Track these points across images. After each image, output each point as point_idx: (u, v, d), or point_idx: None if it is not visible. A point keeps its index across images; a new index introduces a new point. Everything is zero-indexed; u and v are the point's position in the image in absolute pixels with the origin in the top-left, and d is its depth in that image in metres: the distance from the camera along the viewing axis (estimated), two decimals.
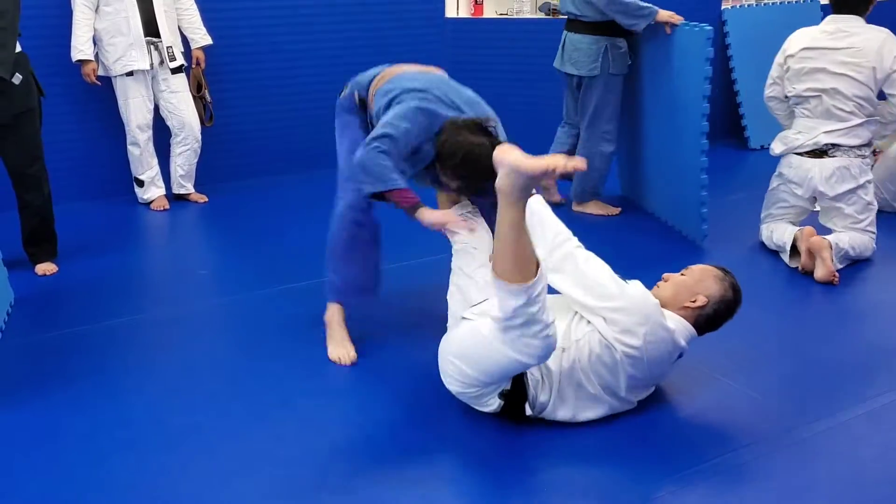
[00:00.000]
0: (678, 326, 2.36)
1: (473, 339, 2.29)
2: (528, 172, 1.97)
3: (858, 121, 3.58)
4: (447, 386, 2.46)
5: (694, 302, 2.39)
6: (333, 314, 2.92)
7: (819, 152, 3.63)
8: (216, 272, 3.78)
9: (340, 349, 2.85)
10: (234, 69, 4.96)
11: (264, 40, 5.03)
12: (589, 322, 2.34)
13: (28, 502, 2.12)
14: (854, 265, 3.65)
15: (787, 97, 3.79)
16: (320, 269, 3.45)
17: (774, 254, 3.78)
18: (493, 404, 2.37)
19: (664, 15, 3.92)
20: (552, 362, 2.30)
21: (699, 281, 2.42)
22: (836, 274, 3.47)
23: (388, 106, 2.65)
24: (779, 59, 3.81)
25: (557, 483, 2.20)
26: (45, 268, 3.65)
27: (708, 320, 2.43)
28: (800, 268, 3.59)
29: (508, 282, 2.04)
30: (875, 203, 3.71)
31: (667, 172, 4.15)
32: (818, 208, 3.78)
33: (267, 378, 2.75)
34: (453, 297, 2.66)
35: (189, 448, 2.36)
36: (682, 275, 2.48)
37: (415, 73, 2.78)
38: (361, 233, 2.83)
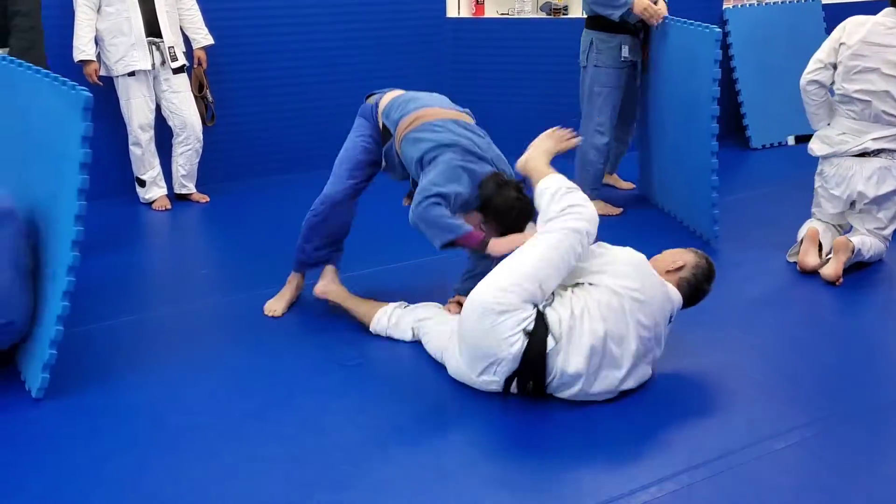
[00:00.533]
0: (666, 284, 2.62)
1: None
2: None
3: None
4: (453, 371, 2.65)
5: (674, 264, 2.67)
6: (293, 278, 3.29)
7: (863, 154, 3.56)
8: (218, 272, 3.79)
9: (274, 303, 3.24)
10: (235, 69, 4.96)
11: (266, 40, 5.03)
12: (591, 284, 2.55)
13: (31, 501, 2.13)
14: (867, 267, 3.63)
15: (831, 87, 3.65)
16: (316, 270, 3.48)
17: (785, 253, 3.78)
18: (497, 378, 2.53)
19: (640, 6, 3.92)
20: (562, 307, 2.49)
21: (676, 252, 2.76)
22: (841, 278, 3.46)
23: (423, 161, 2.81)
24: (832, 42, 3.61)
25: (566, 479, 2.20)
26: None
27: (689, 287, 2.67)
28: (797, 265, 3.61)
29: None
30: None
31: (679, 172, 4.15)
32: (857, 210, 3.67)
33: (269, 376, 2.76)
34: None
35: (189, 447, 2.37)
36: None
37: (444, 122, 2.87)
38: (336, 214, 3.14)
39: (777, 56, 5.63)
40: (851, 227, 3.71)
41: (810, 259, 3.54)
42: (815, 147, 3.74)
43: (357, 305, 3.10)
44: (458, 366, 2.62)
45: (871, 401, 2.58)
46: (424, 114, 2.89)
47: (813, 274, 3.53)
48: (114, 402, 2.60)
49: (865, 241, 3.57)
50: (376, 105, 3.08)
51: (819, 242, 3.60)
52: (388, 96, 3.06)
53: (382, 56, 5.35)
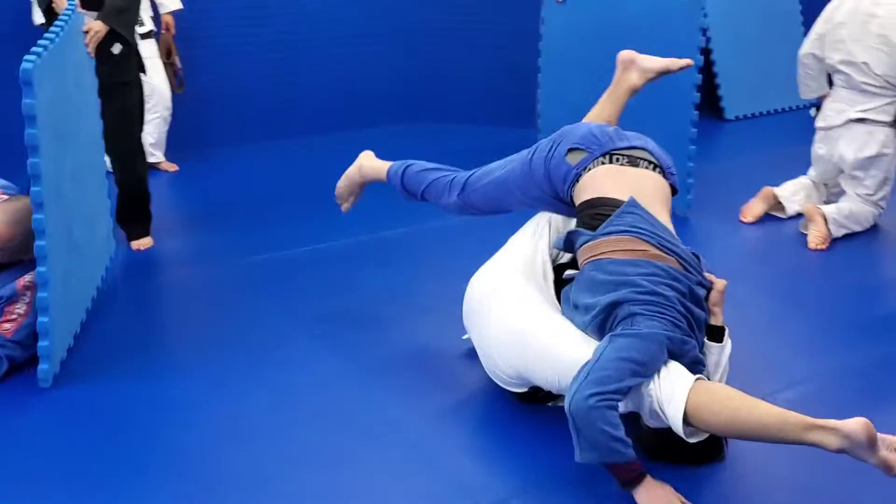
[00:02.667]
0: None
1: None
2: None
3: (888, 100, 3.58)
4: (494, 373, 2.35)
5: None
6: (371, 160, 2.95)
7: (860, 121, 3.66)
8: (186, 242, 3.73)
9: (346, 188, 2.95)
10: (204, 34, 4.86)
11: (235, 4, 4.93)
12: None
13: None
14: (848, 238, 3.67)
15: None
16: (292, 240, 3.45)
17: (757, 225, 3.81)
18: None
19: None
20: None
21: None
22: (827, 242, 3.54)
23: (614, 314, 2.03)
24: (825, 14, 3.71)
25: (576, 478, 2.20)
26: (140, 243, 3.57)
27: None
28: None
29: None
30: (892, 178, 3.71)
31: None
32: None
33: (232, 346, 2.73)
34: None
35: (156, 420, 2.35)
36: None
37: (663, 271, 2.08)
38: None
39: (752, 27, 5.63)
40: (843, 190, 3.80)
41: (752, 208, 3.83)
42: (817, 120, 3.85)
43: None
44: (499, 366, 2.28)
45: (845, 364, 2.62)
46: (636, 246, 2.12)
47: (753, 224, 3.77)
48: (90, 389, 2.54)
49: (843, 208, 3.64)
50: (575, 179, 2.32)
51: (776, 200, 3.82)
52: (601, 179, 2.28)
53: (354, 20, 5.29)
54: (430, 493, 2.05)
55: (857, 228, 3.69)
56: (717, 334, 2.15)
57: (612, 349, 1.94)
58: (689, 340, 2.02)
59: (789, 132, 5.60)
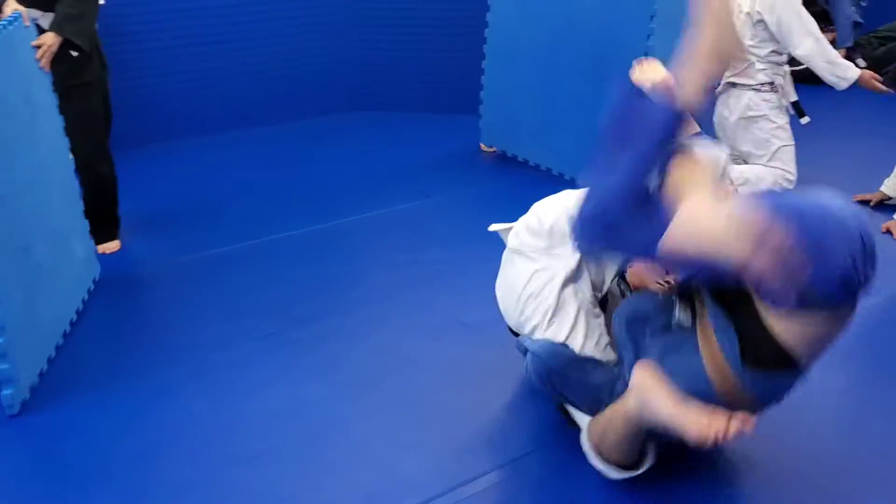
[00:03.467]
0: None
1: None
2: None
3: (746, 63, 3.89)
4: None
5: None
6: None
7: (731, 85, 4.01)
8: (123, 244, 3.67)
9: None
10: (134, 29, 4.75)
11: None
12: None
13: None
14: None
15: None
16: (235, 236, 3.43)
17: None
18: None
19: None
20: None
21: None
22: None
23: None
24: None
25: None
26: (106, 247, 3.50)
27: None
28: None
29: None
30: (778, 142, 3.94)
31: (584, 129, 4.11)
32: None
33: (176, 351, 2.74)
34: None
35: (96, 428, 2.36)
36: None
37: None
38: None
39: (682, 9, 5.76)
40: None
41: None
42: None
43: None
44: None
45: None
46: None
47: None
48: (59, 415, 2.47)
49: (745, 171, 3.94)
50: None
51: None
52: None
53: (286, 11, 5.23)
54: (375, 490, 2.10)
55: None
56: None
57: None
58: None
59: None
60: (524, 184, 4.25)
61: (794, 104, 4.10)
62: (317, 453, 2.24)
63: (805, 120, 4.13)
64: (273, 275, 3.29)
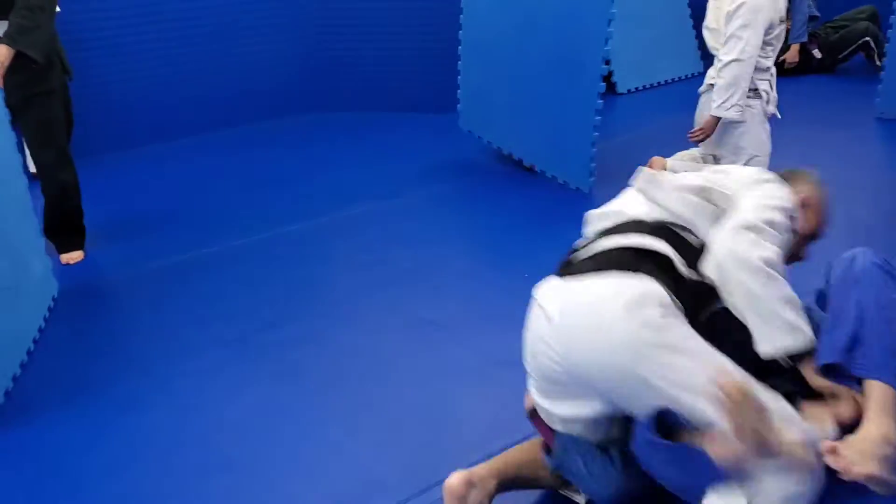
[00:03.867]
0: None
1: None
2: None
3: (725, 61, 3.72)
4: None
5: None
6: None
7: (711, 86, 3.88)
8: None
9: None
10: (96, 35, 4.70)
11: (126, 2, 4.78)
12: None
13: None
14: None
15: None
16: (195, 241, 3.39)
17: None
18: None
19: None
20: None
21: None
22: None
23: None
24: None
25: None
26: (69, 256, 3.45)
27: None
28: None
29: None
30: (752, 151, 3.78)
31: (549, 119, 4.13)
32: None
33: (141, 361, 2.71)
34: None
35: (60, 443, 2.34)
36: None
37: None
38: None
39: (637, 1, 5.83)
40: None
41: None
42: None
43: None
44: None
45: None
46: None
47: None
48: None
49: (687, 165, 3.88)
50: None
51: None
52: None
53: (248, 13, 5.21)
54: (348, 493, 2.09)
55: None
56: None
57: None
58: None
59: (681, 102, 5.87)
60: (494, 182, 4.27)
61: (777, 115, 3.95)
62: (289, 458, 2.23)
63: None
64: (240, 280, 3.28)
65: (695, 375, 1.59)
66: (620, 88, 5.92)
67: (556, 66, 4.05)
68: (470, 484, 1.83)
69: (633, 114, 5.53)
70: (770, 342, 1.69)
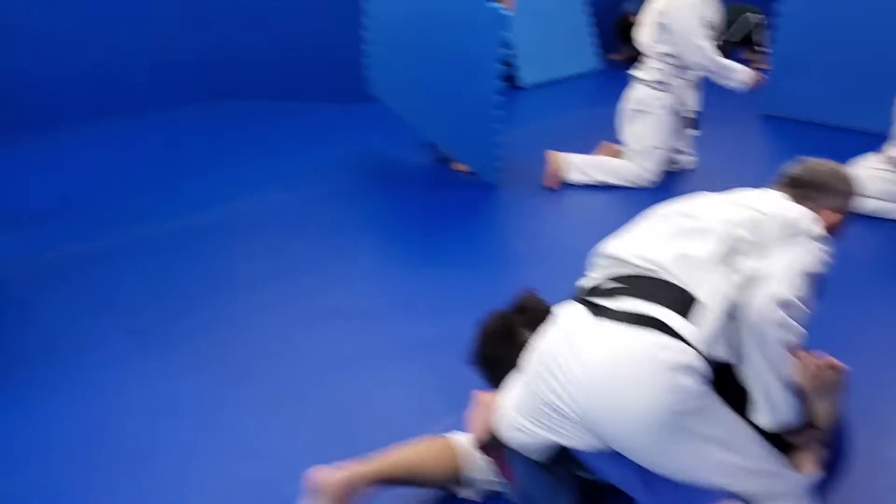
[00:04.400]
0: None
1: None
2: None
3: (649, 57, 4.07)
4: None
5: None
6: None
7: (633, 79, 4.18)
8: None
9: None
10: None
11: None
12: None
13: None
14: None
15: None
16: (94, 231, 3.32)
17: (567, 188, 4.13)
18: None
19: None
20: None
21: None
22: (555, 182, 4.05)
23: None
24: None
25: None
26: None
27: None
28: None
29: None
30: (654, 141, 4.07)
31: (457, 114, 4.17)
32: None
33: (42, 351, 2.66)
34: None
35: None
36: None
37: None
38: None
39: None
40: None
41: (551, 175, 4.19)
42: None
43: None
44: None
45: None
46: None
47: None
48: None
49: (587, 159, 4.16)
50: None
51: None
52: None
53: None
54: (260, 477, 2.11)
55: (611, 180, 4.08)
56: None
57: None
58: None
59: (582, 97, 6.08)
60: (403, 173, 4.33)
61: (691, 116, 4.20)
62: (200, 445, 2.23)
63: (694, 132, 4.27)
64: (143, 270, 3.23)
65: (720, 456, 1.65)
66: (524, 83, 6.05)
67: (457, 64, 4.06)
68: (330, 483, 1.84)
69: (538, 108, 5.68)
70: (768, 417, 1.73)
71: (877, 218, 3.64)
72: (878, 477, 2.08)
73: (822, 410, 1.78)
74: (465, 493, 2.02)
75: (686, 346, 1.63)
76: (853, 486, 2.00)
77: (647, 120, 4.09)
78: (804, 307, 1.73)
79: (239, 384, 2.51)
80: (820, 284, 1.84)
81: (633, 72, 4.18)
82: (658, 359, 1.61)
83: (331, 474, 1.87)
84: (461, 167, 4.31)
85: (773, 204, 1.88)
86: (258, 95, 5.46)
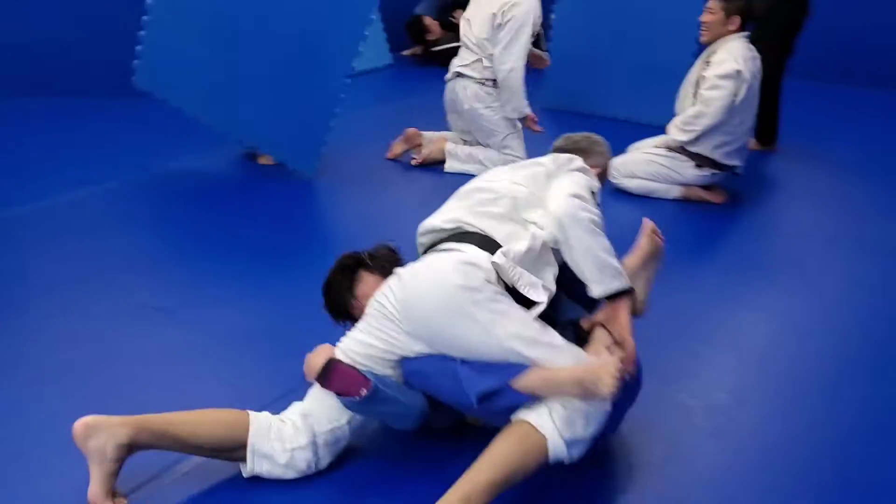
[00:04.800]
0: None
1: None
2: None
3: (476, 57, 4.17)
4: None
5: None
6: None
7: (458, 75, 4.27)
8: None
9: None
10: None
11: None
12: None
13: None
14: None
15: None
16: None
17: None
18: None
19: None
20: None
21: None
22: (426, 159, 4.30)
23: None
24: None
25: None
26: None
27: None
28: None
29: None
30: (504, 131, 4.26)
31: (286, 103, 4.05)
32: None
33: None
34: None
35: None
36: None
37: None
38: None
39: None
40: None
41: (395, 149, 4.46)
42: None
43: None
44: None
45: None
46: None
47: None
48: None
49: (476, 152, 4.31)
50: None
51: (418, 143, 4.42)
52: None
53: None
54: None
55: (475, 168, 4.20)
56: None
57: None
58: None
59: (378, 91, 6.26)
60: (209, 167, 4.27)
61: (523, 119, 4.31)
62: (7, 455, 2.11)
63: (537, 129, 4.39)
64: None
65: (508, 322, 1.97)
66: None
67: (299, 56, 3.98)
68: (90, 427, 1.90)
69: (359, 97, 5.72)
70: (603, 286, 2.05)
71: (648, 197, 4.09)
72: (668, 417, 2.36)
73: (646, 280, 2.30)
74: (251, 468, 2.02)
75: (480, 255, 2.05)
76: (645, 423, 2.27)
77: (487, 116, 4.24)
78: (592, 205, 2.14)
79: (50, 386, 2.39)
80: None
81: (460, 69, 4.23)
82: (454, 258, 2.05)
83: (102, 418, 1.90)
84: (267, 160, 4.28)
85: (545, 158, 2.38)
86: (43, 92, 5.19)
